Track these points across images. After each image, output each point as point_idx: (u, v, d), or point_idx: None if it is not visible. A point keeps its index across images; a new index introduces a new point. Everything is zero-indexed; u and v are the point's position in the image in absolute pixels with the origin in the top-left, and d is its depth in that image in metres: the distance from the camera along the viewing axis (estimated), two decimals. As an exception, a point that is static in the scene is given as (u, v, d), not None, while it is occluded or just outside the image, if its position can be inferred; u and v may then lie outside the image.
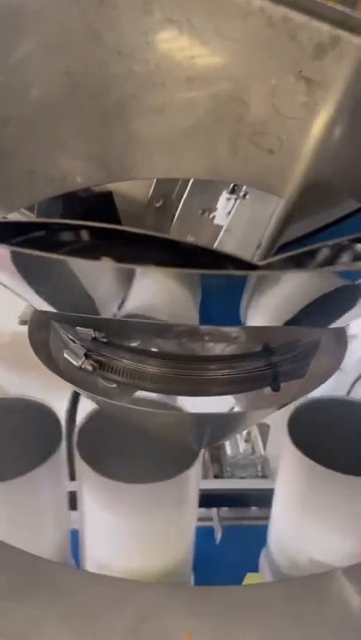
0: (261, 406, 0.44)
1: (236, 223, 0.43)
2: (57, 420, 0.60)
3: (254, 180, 0.39)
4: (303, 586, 0.30)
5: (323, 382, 0.46)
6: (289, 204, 0.30)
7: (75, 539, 0.66)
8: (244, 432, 0.83)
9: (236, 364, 0.43)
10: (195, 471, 0.58)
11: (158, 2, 0.38)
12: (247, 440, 0.84)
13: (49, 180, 0.41)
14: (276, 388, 0.43)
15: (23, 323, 0.52)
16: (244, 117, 0.39)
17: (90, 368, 0.43)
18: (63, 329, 0.46)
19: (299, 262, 0.29)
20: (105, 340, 0.42)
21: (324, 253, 0.30)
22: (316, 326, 0.35)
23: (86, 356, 0.43)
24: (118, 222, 0.48)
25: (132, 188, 0.46)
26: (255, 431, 0.87)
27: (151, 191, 0.46)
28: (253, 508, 0.84)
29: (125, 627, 0.28)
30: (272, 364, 0.42)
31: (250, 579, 0.67)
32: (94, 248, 0.30)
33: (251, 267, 0.24)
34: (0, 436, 0.62)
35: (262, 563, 0.72)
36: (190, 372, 0.43)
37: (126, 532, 0.57)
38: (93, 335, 0.42)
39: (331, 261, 0.30)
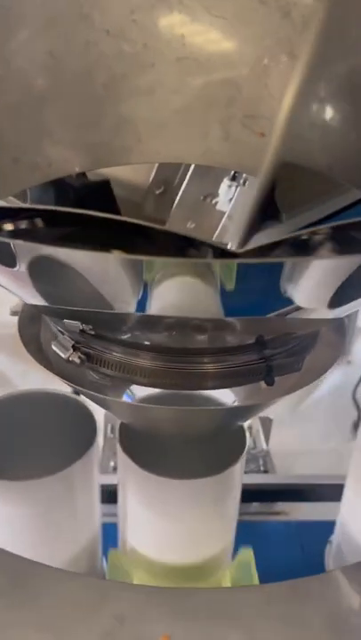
0: (256, 400, 0.43)
1: (237, 210, 0.41)
2: (90, 415, 0.59)
3: (245, 165, 0.37)
4: (286, 588, 0.28)
5: (322, 374, 0.45)
6: (262, 188, 0.28)
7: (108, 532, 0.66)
8: (247, 426, 0.81)
9: (229, 357, 0.41)
10: (239, 467, 0.56)
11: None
12: (249, 435, 0.83)
13: (34, 167, 0.40)
14: (269, 383, 0.41)
15: (14, 314, 0.51)
16: (235, 99, 0.37)
17: (77, 360, 0.42)
18: (52, 321, 0.45)
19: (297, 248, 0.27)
20: (93, 333, 0.41)
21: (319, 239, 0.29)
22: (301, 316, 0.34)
23: (74, 348, 0.42)
24: (116, 211, 0.46)
25: (131, 175, 0.45)
26: (257, 425, 0.86)
27: (152, 177, 0.45)
28: (255, 504, 0.83)
29: (101, 631, 0.27)
30: (265, 358, 0.41)
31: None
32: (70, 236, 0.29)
33: (231, 255, 0.23)
34: (33, 431, 0.61)
35: (327, 559, 0.71)
36: (182, 366, 0.42)
37: (169, 527, 0.56)
38: (81, 327, 0.41)
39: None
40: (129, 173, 0.44)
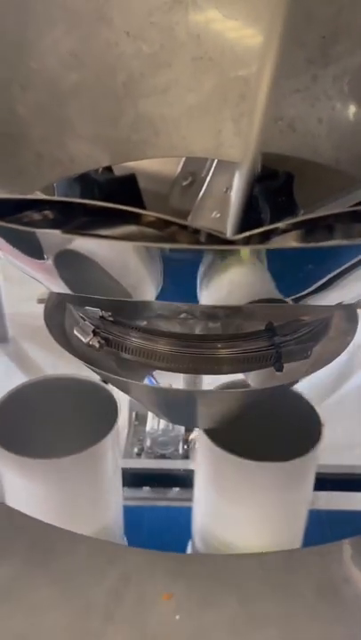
0: (266, 385, 0.45)
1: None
2: (112, 398, 0.61)
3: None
4: (283, 558, 0.30)
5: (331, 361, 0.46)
6: (244, 174, 0.30)
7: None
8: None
9: (241, 343, 0.43)
10: (314, 454, 0.57)
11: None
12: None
13: (56, 162, 0.42)
14: (279, 369, 0.43)
15: (41, 301, 0.54)
16: (246, 96, 0.39)
17: (97, 345, 0.44)
18: (75, 308, 0.47)
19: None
20: (112, 319, 0.43)
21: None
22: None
23: (94, 333, 0.44)
24: (141, 204, 0.48)
25: (159, 168, 0.46)
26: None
27: (179, 169, 0.47)
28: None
29: (107, 588, 0.29)
30: (275, 345, 0.42)
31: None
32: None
33: (225, 242, 0.24)
34: (60, 414, 0.64)
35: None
36: (196, 351, 0.44)
37: (242, 511, 0.58)
38: (101, 314, 0.43)
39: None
40: (157, 166, 0.46)
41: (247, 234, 0.23)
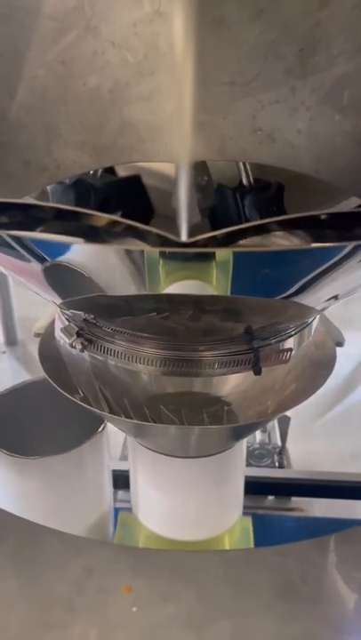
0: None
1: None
2: None
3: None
4: (243, 556, 0.31)
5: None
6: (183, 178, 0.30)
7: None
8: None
9: (220, 346, 0.44)
10: (238, 449, 0.58)
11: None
12: (264, 430, 0.85)
13: (43, 168, 0.43)
14: (257, 372, 0.44)
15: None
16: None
17: (79, 346, 0.45)
18: (60, 310, 0.48)
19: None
20: (95, 322, 0.44)
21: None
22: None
23: (78, 334, 0.45)
24: (148, 204, 0.49)
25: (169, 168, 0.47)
26: (274, 422, 0.87)
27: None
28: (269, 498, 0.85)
29: (70, 579, 0.30)
30: (253, 348, 0.43)
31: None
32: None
33: (182, 245, 0.25)
34: (51, 415, 0.65)
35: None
36: (177, 354, 0.45)
37: (175, 505, 0.59)
38: (84, 317, 0.44)
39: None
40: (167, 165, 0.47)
41: (198, 238, 0.24)
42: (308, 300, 0.34)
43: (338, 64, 0.39)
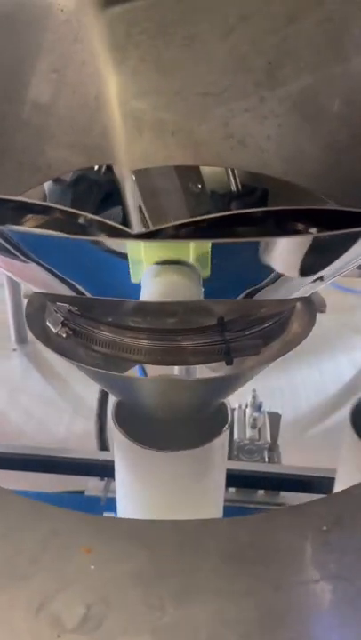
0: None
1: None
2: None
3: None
4: (195, 525, 0.34)
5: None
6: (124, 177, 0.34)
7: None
8: (251, 419, 0.86)
9: (197, 337, 0.47)
10: (219, 442, 0.60)
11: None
12: (254, 426, 0.87)
13: (35, 169, 0.47)
14: (229, 362, 0.47)
15: (27, 297, 0.58)
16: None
17: (64, 335, 0.48)
18: (49, 301, 0.52)
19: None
20: (78, 313, 0.48)
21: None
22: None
23: (63, 324, 0.49)
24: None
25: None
26: (265, 419, 0.90)
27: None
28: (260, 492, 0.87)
29: (37, 538, 0.33)
30: (225, 340, 0.46)
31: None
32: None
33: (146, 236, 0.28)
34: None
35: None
36: (159, 344, 0.48)
37: (157, 497, 0.62)
38: (68, 308, 0.48)
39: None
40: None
41: (149, 229, 0.28)
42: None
43: (304, 76, 0.42)
